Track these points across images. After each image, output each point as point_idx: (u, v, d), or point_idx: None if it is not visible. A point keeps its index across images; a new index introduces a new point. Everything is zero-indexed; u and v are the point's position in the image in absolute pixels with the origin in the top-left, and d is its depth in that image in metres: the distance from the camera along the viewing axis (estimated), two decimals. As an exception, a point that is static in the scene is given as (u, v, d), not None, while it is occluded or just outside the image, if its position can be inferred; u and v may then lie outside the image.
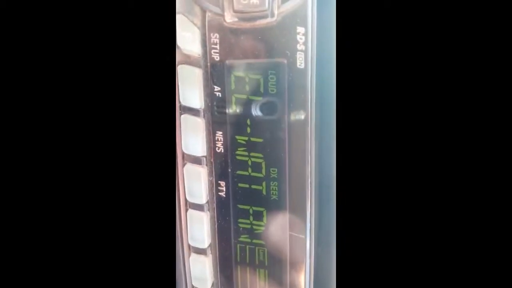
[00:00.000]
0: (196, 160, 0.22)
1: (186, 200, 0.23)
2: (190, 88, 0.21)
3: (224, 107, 0.22)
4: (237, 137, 0.22)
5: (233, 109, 0.22)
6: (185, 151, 0.22)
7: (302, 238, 0.23)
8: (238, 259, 0.24)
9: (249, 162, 0.23)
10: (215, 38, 0.21)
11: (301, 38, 0.20)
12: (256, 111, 0.22)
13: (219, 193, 0.23)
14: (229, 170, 0.23)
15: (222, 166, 0.23)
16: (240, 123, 0.22)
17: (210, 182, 0.23)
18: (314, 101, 0.21)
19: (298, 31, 0.20)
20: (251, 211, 0.23)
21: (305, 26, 0.20)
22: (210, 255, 0.24)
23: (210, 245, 0.24)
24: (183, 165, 0.22)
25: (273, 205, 0.23)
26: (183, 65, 0.21)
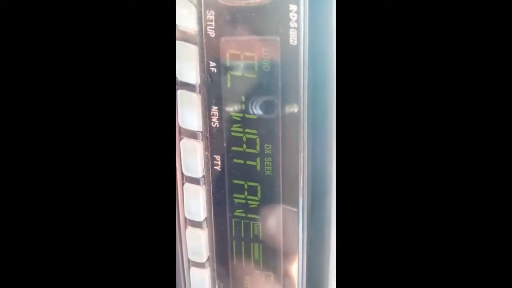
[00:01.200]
0: (192, 135, 0.23)
1: (182, 173, 0.23)
2: (186, 64, 0.22)
3: (220, 83, 0.22)
4: (232, 113, 0.23)
5: (228, 85, 0.22)
6: (182, 126, 0.23)
7: (295, 211, 0.24)
8: (233, 233, 0.25)
9: (244, 138, 0.23)
10: (210, 15, 0.21)
11: (293, 16, 0.21)
12: (250, 88, 0.22)
13: (215, 167, 0.23)
14: (224, 145, 0.23)
15: (217, 141, 0.23)
16: (235, 100, 0.22)
17: (206, 157, 0.23)
18: (306, 77, 0.22)
19: (290, 8, 0.21)
20: (245, 186, 0.24)
21: (297, 4, 0.21)
22: (206, 229, 0.24)
23: (206, 219, 0.24)
24: (180, 139, 0.23)
25: (267, 181, 0.23)
26: (180, 42, 0.21)
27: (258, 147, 0.23)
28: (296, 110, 0.22)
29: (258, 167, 0.23)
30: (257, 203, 0.24)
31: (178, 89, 0.22)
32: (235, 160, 0.23)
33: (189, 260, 0.25)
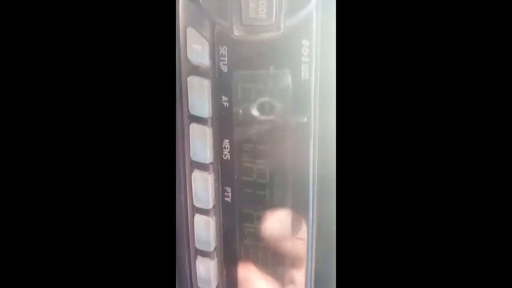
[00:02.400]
0: (203, 167, 0.23)
1: (193, 205, 0.23)
2: (198, 98, 0.21)
3: (231, 117, 0.22)
4: (243, 145, 0.22)
5: (239, 119, 0.22)
6: (193, 158, 0.22)
7: (304, 240, 0.23)
8: (243, 262, 0.24)
9: (254, 169, 0.23)
10: (223, 50, 0.21)
11: (305, 51, 0.21)
12: (261, 120, 0.22)
13: (225, 199, 0.23)
14: (235, 177, 0.23)
15: (228, 173, 0.23)
16: (246, 132, 0.22)
17: (217, 188, 0.23)
18: (318, 111, 0.22)
19: (302, 43, 0.21)
20: (255, 216, 0.24)
21: (310, 39, 0.20)
22: (216, 258, 0.24)
23: (215, 248, 0.24)
24: (191, 171, 0.23)
25: (276, 210, 0.23)
26: (192, 76, 0.21)
27: (267, 177, 0.23)
28: (306, 143, 0.22)
29: (268, 196, 0.23)
30: (267, 231, 0.24)
31: (190, 123, 0.22)
32: (245, 190, 0.23)
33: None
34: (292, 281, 0.25)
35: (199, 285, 0.25)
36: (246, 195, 0.23)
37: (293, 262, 0.24)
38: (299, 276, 0.24)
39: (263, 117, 0.22)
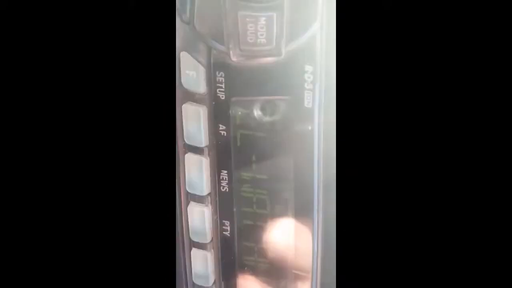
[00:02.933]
0: (200, 199, 0.21)
1: (190, 239, 0.22)
2: (194, 127, 0.20)
3: (229, 146, 0.20)
4: (242, 174, 0.21)
5: (238, 148, 0.21)
6: (189, 190, 0.21)
7: (308, 276, 0.22)
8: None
9: (254, 199, 0.22)
10: (220, 76, 0.19)
11: (309, 77, 0.19)
12: (261, 149, 0.21)
13: (224, 232, 0.22)
14: (234, 209, 0.21)
15: (226, 205, 0.21)
16: (245, 161, 0.21)
17: (215, 221, 0.22)
18: (322, 139, 0.20)
19: (306, 69, 0.19)
20: (255, 249, 0.22)
21: (313, 65, 0.19)
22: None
23: (214, 283, 0.23)
24: (187, 203, 0.21)
25: (278, 244, 0.22)
26: (187, 104, 0.20)
27: (268, 208, 0.22)
28: (308, 172, 0.21)
29: (268, 228, 0.22)
30: (267, 265, 0.23)
31: (185, 153, 0.20)
32: (245, 222, 0.22)
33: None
34: None
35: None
36: (246, 228, 0.22)
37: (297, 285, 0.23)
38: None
39: (263, 148, 0.20)
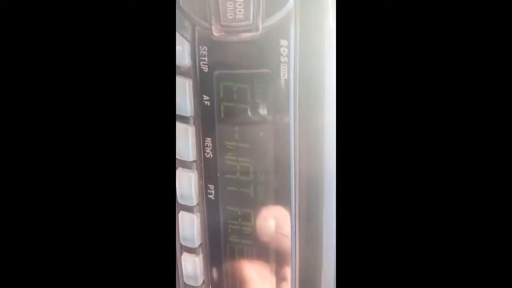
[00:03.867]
0: (187, 165, 0.23)
1: (178, 202, 0.23)
2: (181, 98, 0.22)
3: (213, 115, 0.22)
4: (225, 143, 0.23)
5: (221, 117, 0.22)
6: (178, 157, 0.23)
7: (288, 236, 0.23)
8: (228, 258, 0.25)
9: (237, 167, 0.23)
10: (203, 50, 0.21)
11: (284, 51, 0.21)
12: (243, 119, 0.22)
13: (209, 196, 0.23)
14: (218, 174, 0.23)
15: (211, 171, 0.23)
16: (228, 130, 0.22)
17: (200, 186, 0.23)
18: (297, 109, 0.22)
19: (281, 43, 0.21)
20: (239, 213, 0.24)
21: (288, 39, 0.21)
22: (201, 254, 0.24)
23: (200, 245, 0.24)
24: (176, 169, 0.23)
25: (261, 207, 0.23)
26: (176, 77, 0.21)
27: (251, 175, 0.23)
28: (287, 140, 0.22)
29: (252, 194, 0.23)
30: (251, 229, 0.24)
31: (176, 122, 0.22)
32: (228, 188, 0.23)
33: (185, 285, 0.25)
34: (278, 278, 0.25)
35: (186, 281, 0.25)
36: (229, 193, 0.23)
37: (278, 258, 0.24)
38: (284, 272, 0.24)
39: (244, 116, 0.22)
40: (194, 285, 0.25)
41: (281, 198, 0.23)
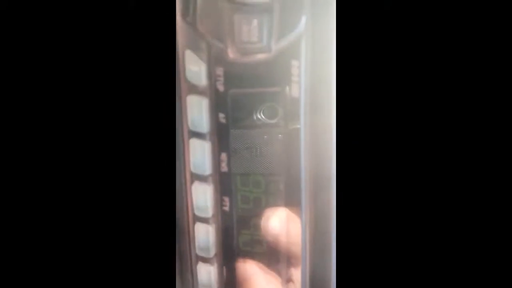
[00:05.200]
0: (203, 179, 0.24)
1: (194, 213, 0.24)
2: (197, 115, 0.22)
3: (228, 132, 0.23)
4: (239, 158, 0.23)
5: (236, 134, 0.23)
6: (193, 171, 0.23)
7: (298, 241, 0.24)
8: (242, 266, 0.25)
9: (250, 180, 0.24)
10: (219, 70, 0.22)
11: (295, 71, 0.22)
12: (256, 135, 0.23)
13: (223, 208, 0.24)
14: (232, 188, 0.24)
15: (226, 183, 0.24)
16: (242, 146, 0.23)
17: (216, 198, 0.24)
18: (308, 127, 0.22)
19: (292, 64, 0.22)
20: (251, 223, 0.25)
21: (299, 60, 0.21)
22: (216, 264, 0.25)
23: (215, 255, 0.25)
24: (192, 183, 0.24)
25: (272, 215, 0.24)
26: (191, 95, 0.22)
27: (263, 187, 0.24)
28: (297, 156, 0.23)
29: (263, 205, 0.24)
30: (263, 237, 0.25)
31: (190, 138, 0.23)
32: (242, 199, 0.24)
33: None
34: (290, 280, 0.25)
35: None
36: (243, 204, 0.24)
37: (289, 261, 0.25)
38: (296, 275, 0.25)
39: (257, 132, 0.23)
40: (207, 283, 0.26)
41: (292, 206, 0.24)
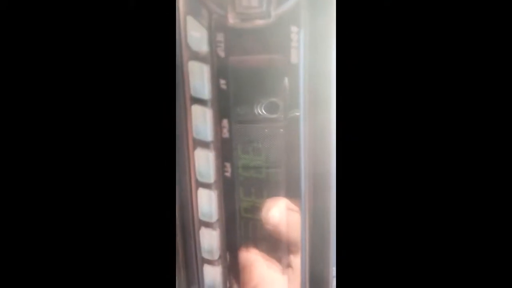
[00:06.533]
0: (205, 145, 0.24)
1: (197, 180, 0.24)
2: (199, 82, 0.23)
3: (229, 98, 0.23)
4: (239, 124, 0.24)
5: (236, 100, 0.23)
6: (196, 137, 0.24)
7: (298, 215, 0.25)
8: (242, 233, 0.25)
9: (250, 146, 0.24)
10: (220, 37, 0.22)
11: (294, 36, 0.22)
12: (256, 102, 0.23)
13: (225, 174, 0.24)
14: (233, 154, 0.24)
15: (227, 150, 0.24)
16: (242, 112, 0.23)
17: (217, 164, 0.24)
18: (307, 92, 0.23)
19: (291, 30, 0.22)
20: (252, 190, 0.25)
21: (298, 25, 0.22)
22: (218, 229, 0.25)
23: (217, 220, 0.25)
24: (194, 149, 0.24)
25: (272, 184, 0.24)
26: (192, 62, 0.22)
27: (263, 156, 0.24)
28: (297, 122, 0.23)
29: (264, 173, 0.24)
30: (264, 205, 0.25)
31: (192, 104, 0.23)
32: (243, 166, 0.24)
33: (202, 259, 0.26)
34: (289, 261, 0.26)
35: (203, 255, 0.26)
36: (244, 171, 0.24)
37: (290, 242, 0.25)
38: (295, 257, 0.26)
39: (258, 99, 0.23)
40: (211, 259, 0.26)
41: (292, 179, 0.24)
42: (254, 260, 0.26)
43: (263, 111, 0.23)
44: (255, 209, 0.25)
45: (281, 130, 0.24)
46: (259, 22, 0.21)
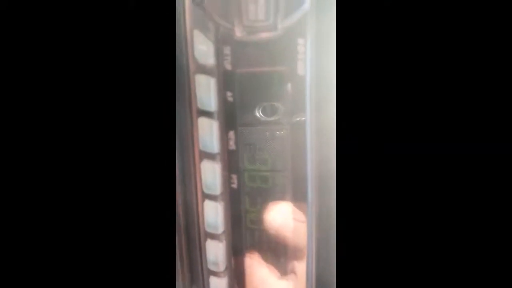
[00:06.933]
0: (211, 157, 0.24)
1: (203, 191, 0.24)
2: (205, 95, 0.23)
3: (236, 110, 0.23)
4: (246, 136, 0.24)
5: (243, 112, 0.23)
6: (202, 149, 0.23)
7: (304, 223, 0.24)
8: (248, 243, 0.25)
9: (257, 158, 0.24)
10: (227, 50, 0.22)
11: (301, 48, 0.22)
12: (262, 113, 0.23)
13: (232, 185, 0.24)
14: (240, 166, 0.24)
15: (233, 162, 0.24)
16: (249, 124, 0.23)
17: (224, 176, 0.24)
18: (313, 103, 0.23)
19: (298, 42, 0.22)
20: (258, 200, 0.25)
21: (305, 38, 0.22)
22: (224, 241, 0.25)
23: (224, 232, 0.25)
24: (200, 161, 0.24)
25: (278, 195, 0.24)
26: (199, 75, 0.22)
27: (269, 165, 0.24)
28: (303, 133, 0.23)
29: (270, 183, 0.24)
30: (269, 215, 0.25)
31: (198, 117, 0.23)
32: (249, 177, 0.24)
33: (208, 270, 0.26)
34: (294, 271, 0.26)
35: (209, 267, 0.26)
36: (250, 181, 0.24)
37: (295, 252, 0.25)
38: (300, 266, 0.25)
39: (264, 111, 0.23)
40: (217, 270, 0.26)
41: (298, 188, 0.24)
42: (260, 270, 0.26)
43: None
44: (261, 219, 0.25)
45: (287, 139, 0.23)
46: (266, 35, 0.21)
